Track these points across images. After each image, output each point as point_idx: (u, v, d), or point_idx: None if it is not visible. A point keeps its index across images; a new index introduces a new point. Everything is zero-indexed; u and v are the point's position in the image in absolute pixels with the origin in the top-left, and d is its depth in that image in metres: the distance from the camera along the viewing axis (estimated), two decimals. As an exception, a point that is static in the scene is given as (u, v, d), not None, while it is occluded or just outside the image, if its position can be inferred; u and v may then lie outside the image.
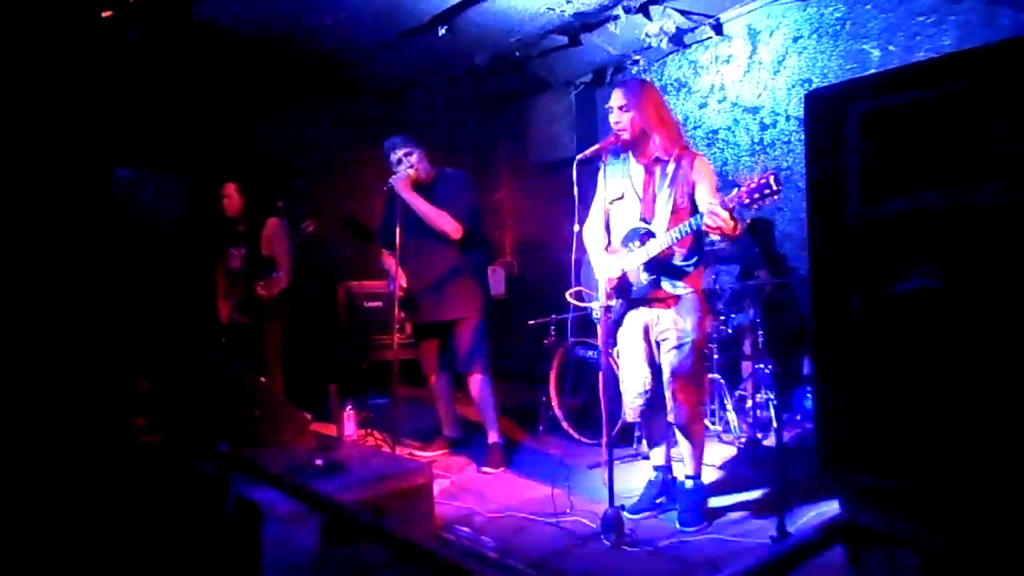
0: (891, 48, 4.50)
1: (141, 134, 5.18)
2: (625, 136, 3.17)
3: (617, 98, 3.17)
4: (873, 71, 4.53)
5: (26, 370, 2.44)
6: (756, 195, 2.73)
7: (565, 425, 4.66)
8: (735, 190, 2.79)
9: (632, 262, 3.20)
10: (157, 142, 5.41)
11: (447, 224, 4.12)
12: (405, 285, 4.33)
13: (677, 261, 3.17)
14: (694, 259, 3.18)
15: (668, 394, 3.20)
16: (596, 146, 3.25)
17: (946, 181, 1.38)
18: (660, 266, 3.17)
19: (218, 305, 4.92)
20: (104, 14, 3.68)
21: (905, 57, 4.40)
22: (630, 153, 3.28)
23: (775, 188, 2.68)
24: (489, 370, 4.31)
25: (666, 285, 3.18)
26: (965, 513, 1.36)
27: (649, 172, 3.22)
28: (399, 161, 4.22)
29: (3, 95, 2.47)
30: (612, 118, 3.19)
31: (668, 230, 3.07)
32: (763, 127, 5.25)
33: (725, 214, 2.78)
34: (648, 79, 5.76)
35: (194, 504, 3.00)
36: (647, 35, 5.40)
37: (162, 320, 5.02)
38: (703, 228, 2.89)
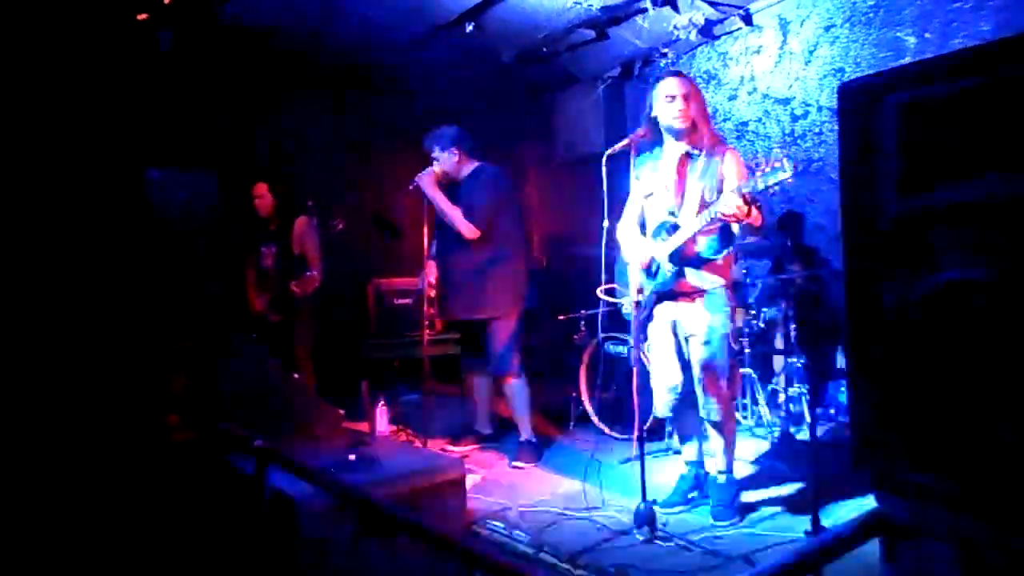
0: (927, 36, 4.41)
1: (172, 135, 5.27)
2: (684, 125, 3.14)
3: (679, 86, 3.12)
4: (908, 59, 4.45)
5: (61, 368, 2.50)
6: (771, 179, 2.69)
7: (596, 420, 4.66)
8: (749, 176, 2.77)
9: (660, 253, 3.19)
10: (187, 142, 5.51)
11: (461, 224, 4.12)
12: (434, 281, 4.36)
13: (703, 252, 3.15)
14: (721, 251, 3.16)
15: (699, 389, 3.19)
16: (625, 140, 3.23)
17: (986, 173, 1.35)
18: (685, 257, 3.15)
19: (251, 301, 4.98)
20: (140, 17, 3.75)
21: (941, 44, 4.31)
22: (661, 147, 3.27)
23: (787, 169, 2.62)
24: (524, 373, 4.30)
25: (691, 277, 3.17)
26: (1007, 508, 1.34)
27: (681, 165, 3.20)
28: (433, 158, 4.25)
29: (41, 100, 2.53)
30: (675, 106, 3.11)
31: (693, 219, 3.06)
32: (794, 118, 5.19)
33: (739, 200, 2.74)
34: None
35: (230, 499, 3.05)
36: (675, 27, 5.36)
37: (195, 318, 5.11)
38: (719, 216, 2.87)
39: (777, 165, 2.64)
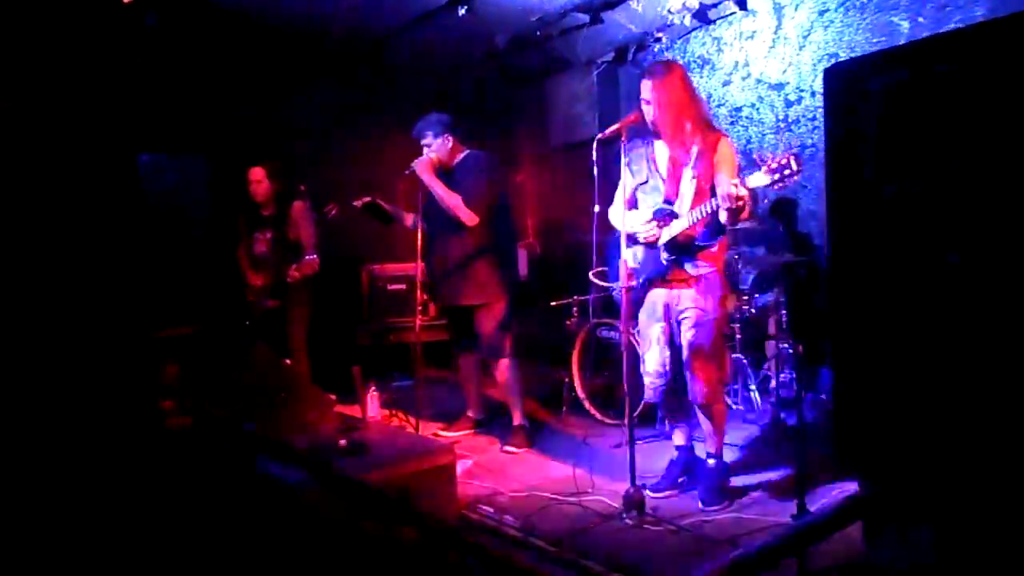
0: (920, 20, 4.39)
1: (162, 119, 5.23)
2: (660, 128, 3.17)
3: (650, 90, 3.14)
4: (902, 43, 4.43)
5: (53, 356, 2.49)
6: (776, 175, 2.70)
7: (587, 405, 4.67)
8: (756, 171, 2.77)
9: (659, 239, 3.19)
10: (178, 127, 5.47)
11: (460, 211, 4.09)
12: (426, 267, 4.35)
13: (698, 240, 3.16)
14: (715, 237, 3.17)
15: (687, 373, 3.20)
16: (616, 125, 3.21)
17: (972, 157, 1.35)
18: (681, 247, 3.16)
19: (249, 285, 4.96)
20: (125, 0, 3.71)
21: (935, 28, 4.28)
22: (652, 136, 3.26)
23: (795, 168, 2.65)
24: (515, 355, 4.31)
25: (687, 265, 3.18)
26: (981, 498, 1.35)
27: (674, 154, 3.20)
28: (425, 145, 4.22)
29: (28, 84, 2.51)
30: (650, 110, 3.16)
31: (690, 211, 3.06)
32: (788, 104, 5.17)
33: (744, 192, 2.75)
34: (672, 57, 5.69)
35: (224, 484, 3.06)
36: (670, 11, 5.32)
37: (188, 305, 5.09)
38: (717, 208, 2.87)
39: (784, 162, 2.66)
